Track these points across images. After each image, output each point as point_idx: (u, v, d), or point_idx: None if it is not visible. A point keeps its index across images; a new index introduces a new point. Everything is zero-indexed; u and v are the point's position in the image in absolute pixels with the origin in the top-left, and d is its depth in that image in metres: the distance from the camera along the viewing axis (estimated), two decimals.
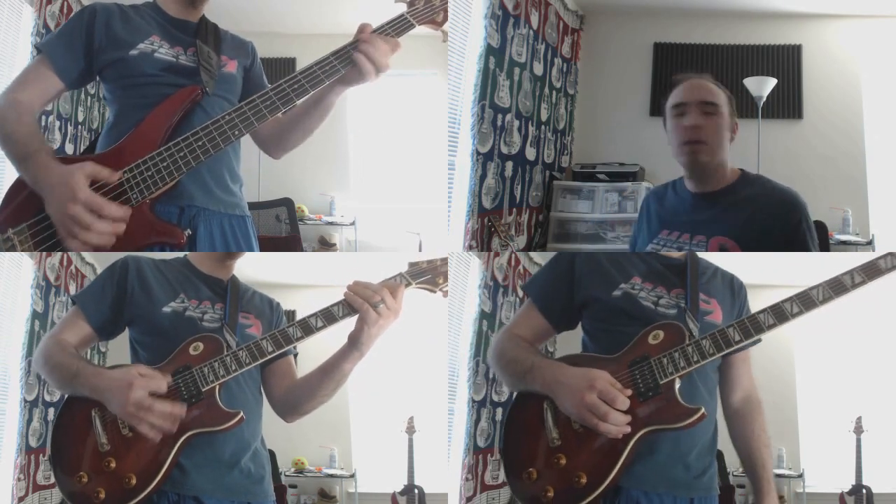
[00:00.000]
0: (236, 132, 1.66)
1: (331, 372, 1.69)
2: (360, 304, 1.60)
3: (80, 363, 1.62)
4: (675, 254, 1.80)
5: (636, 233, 2.11)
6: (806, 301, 1.52)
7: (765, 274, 3.88)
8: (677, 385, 1.54)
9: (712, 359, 1.56)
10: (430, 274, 1.73)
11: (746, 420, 1.81)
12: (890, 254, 1.53)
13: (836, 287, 1.50)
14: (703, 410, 1.52)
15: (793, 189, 1.88)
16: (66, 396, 1.65)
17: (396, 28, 1.76)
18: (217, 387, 1.60)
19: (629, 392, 1.53)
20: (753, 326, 1.55)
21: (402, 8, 1.80)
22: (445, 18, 1.83)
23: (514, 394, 1.73)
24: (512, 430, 1.67)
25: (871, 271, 1.50)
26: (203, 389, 1.58)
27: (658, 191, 2.08)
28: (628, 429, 1.51)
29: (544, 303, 1.80)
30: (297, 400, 1.78)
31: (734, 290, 1.78)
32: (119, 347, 1.81)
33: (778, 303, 1.54)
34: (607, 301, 1.70)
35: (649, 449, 1.56)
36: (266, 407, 1.84)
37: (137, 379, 1.52)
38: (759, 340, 1.58)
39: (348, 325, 1.68)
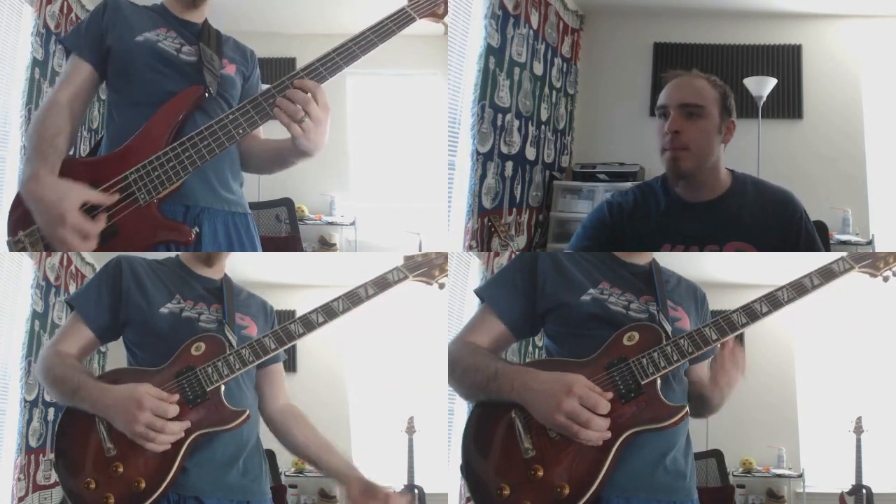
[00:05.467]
0: (240, 131, 1.66)
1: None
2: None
3: (80, 377, 1.60)
4: (640, 260, 1.74)
5: (582, 241, 1.91)
6: (773, 301, 1.60)
7: (768, 275, 3.87)
8: (658, 385, 1.52)
9: (691, 357, 1.55)
10: (426, 266, 1.75)
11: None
12: (842, 258, 1.65)
13: (799, 289, 1.62)
14: (686, 408, 1.51)
15: (787, 189, 1.87)
16: None
17: (397, 22, 1.74)
18: (221, 386, 1.59)
19: (610, 395, 1.48)
20: (728, 325, 1.58)
21: (403, 2, 1.78)
22: (446, 11, 1.80)
23: (472, 405, 1.63)
24: (477, 443, 1.58)
25: (826, 275, 1.64)
26: (208, 389, 1.58)
27: (627, 200, 1.90)
28: (609, 434, 1.46)
29: (504, 308, 1.70)
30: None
31: (697, 299, 1.78)
32: (119, 346, 1.80)
33: (748, 303, 1.60)
34: (575, 306, 1.64)
35: (627, 453, 1.51)
36: None
37: (147, 398, 1.52)
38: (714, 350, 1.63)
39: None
